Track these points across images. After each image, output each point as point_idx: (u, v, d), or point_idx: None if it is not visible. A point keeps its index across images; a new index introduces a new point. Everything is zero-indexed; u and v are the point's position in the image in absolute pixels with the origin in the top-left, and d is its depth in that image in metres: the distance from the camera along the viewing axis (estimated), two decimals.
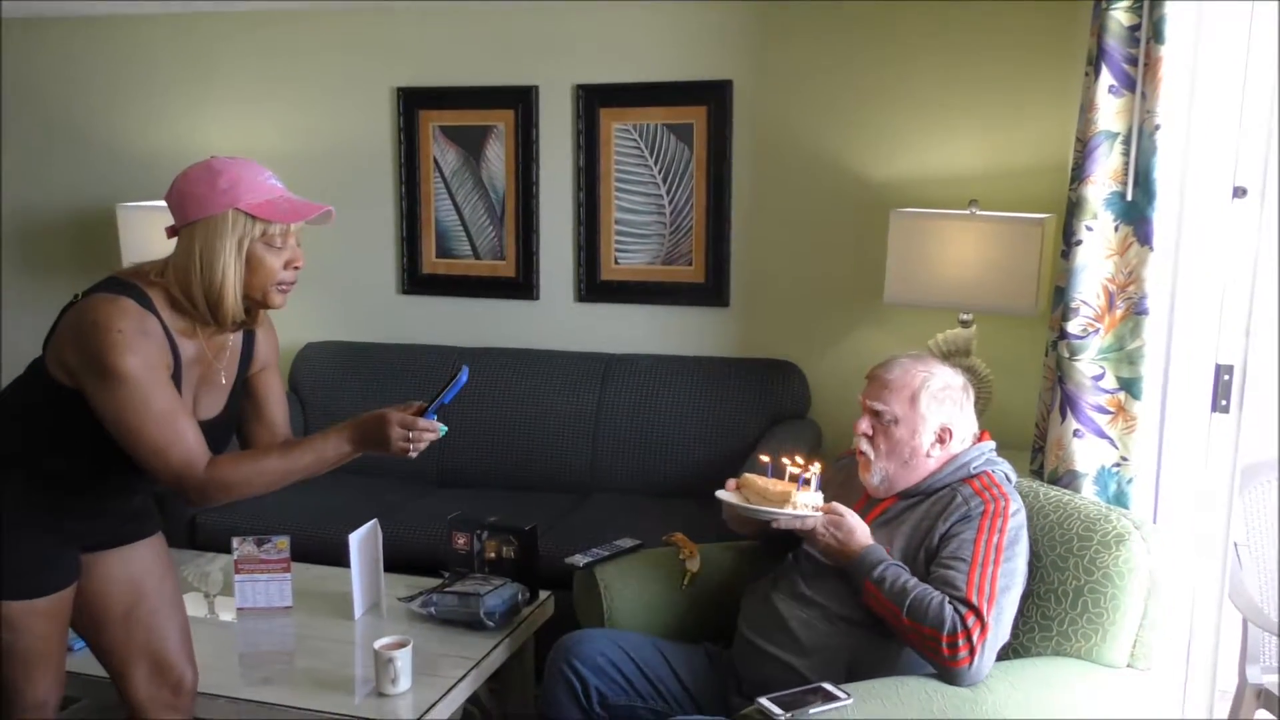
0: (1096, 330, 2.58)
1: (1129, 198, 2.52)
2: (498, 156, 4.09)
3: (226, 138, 4.27)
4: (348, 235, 4.05)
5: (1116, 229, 2.55)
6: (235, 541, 2.88)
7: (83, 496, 2.14)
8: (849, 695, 2.06)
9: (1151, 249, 2.50)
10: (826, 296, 3.81)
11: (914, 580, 2.21)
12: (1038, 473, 2.75)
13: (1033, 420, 2.83)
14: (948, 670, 2.13)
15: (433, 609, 2.78)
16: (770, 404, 3.75)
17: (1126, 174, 2.52)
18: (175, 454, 1.99)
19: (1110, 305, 2.57)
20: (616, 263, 4.02)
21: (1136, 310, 2.53)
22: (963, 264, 3.25)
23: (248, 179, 2.01)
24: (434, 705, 2.43)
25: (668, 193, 3.92)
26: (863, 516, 2.36)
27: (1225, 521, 2.68)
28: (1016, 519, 2.28)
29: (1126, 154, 2.52)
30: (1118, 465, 2.59)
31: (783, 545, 2.51)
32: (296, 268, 2.08)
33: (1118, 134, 2.52)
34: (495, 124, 4.07)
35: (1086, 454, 2.60)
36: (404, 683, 2.45)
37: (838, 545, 2.30)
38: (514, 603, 2.79)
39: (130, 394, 1.95)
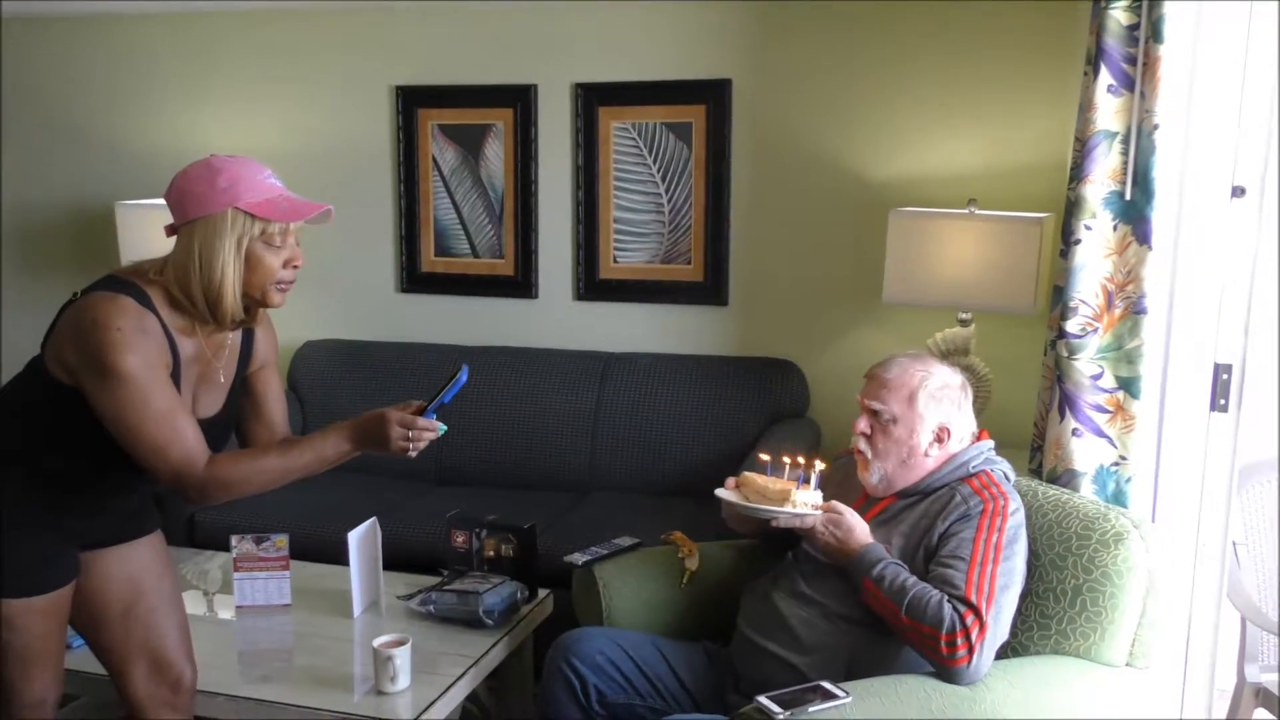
0: (1095, 329, 2.58)
1: (1128, 197, 2.52)
2: (496, 155, 4.09)
3: (226, 136, 4.27)
4: (347, 234, 4.05)
5: (1115, 228, 2.55)
6: (234, 539, 2.88)
7: (82, 495, 2.14)
8: (848, 694, 2.07)
9: (1150, 248, 2.50)
10: (825, 295, 3.81)
11: (913, 579, 2.21)
12: (1036, 472, 2.75)
13: (1031, 419, 2.83)
14: (946, 669, 2.13)
15: (432, 607, 2.78)
16: (769, 403, 3.75)
17: (1125, 173, 2.52)
18: (174, 452, 1.99)
19: (1109, 304, 2.57)
20: (615, 261, 4.02)
21: (1135, 309, 2.53)
22: (962, 263, 3.25)
23: (247, 178, 2.01)
24: (433, 703, 2.43)
25: (667, 192, 3.92)
26: (861, 515, 2.36)
27: (1224, 520, 2.68)
28: (1015, 518, 2.29)
29: (1125, 153, 2.52)
30: (1116, 464, 2.59)
31: (782, 544, 2.51)
32: (296, 267, 2.08)
33: (1116, 133, 2.52)
34: (494, 123, 4.07)
35: (1085, 453, 2.60)
36: (403, 681, 2.45)
37: (837, 544, 2.31)
38: (513, 601, 2.79)
39: (129, 392, 1.95)
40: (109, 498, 2.19)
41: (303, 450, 2.10)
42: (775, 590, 2.42)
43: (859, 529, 2.31)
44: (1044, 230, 3.18)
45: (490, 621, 2.72)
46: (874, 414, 2.41)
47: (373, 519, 2.91)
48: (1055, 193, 3.24)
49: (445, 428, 2.11)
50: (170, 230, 2.06)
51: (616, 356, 3.97)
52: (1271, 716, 2.75)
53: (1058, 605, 2.30)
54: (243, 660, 2.76)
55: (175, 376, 2.04)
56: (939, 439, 2.38)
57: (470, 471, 3.93)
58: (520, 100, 4.02)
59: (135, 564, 2.28)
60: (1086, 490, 2.59)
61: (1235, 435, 2.64)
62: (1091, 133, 2.53)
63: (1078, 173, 2.57)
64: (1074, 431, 2.60)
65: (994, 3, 3.49)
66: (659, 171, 3.92)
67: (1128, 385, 2.56)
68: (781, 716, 2.00)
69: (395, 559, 3.07)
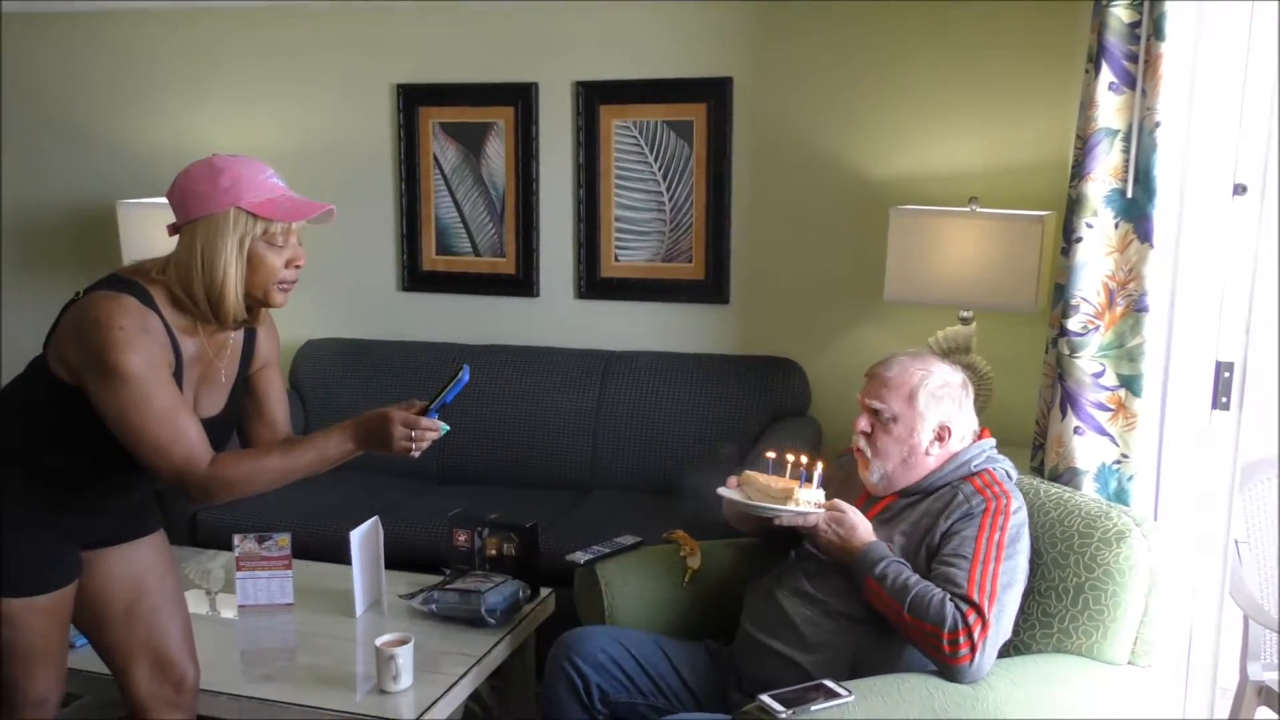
0: (1097, 327, 2.58)
1: (1129, 195, 2.52)
2: (498, 153, 4.09)
3: (227, 135, 4.27)
4: (348, 233, 4.05)
5: (1117, 226, 2.55)
6: (236, 539, 2.89)
7: (84, 494, 2.14)
8: (850, 692, 2.07)
9: (1152, 246, 2.50)
10: (827, 294, 3.81)
11: (915, 577, 2.22)
12: (1038, 470, 2.75)
13: (1033, 417, 2.83)
14: (949, 667, 2.14)
15: (434, 606, 2.78)
16: (770, 401, 3.75)
17: (1127, 171, 2.52)
18: (177, 452, 1.99)
19: (1110, 302, 2.57)
20: (616, 260, 4.02)
21: (1137, 307, 2.53)
22: (963, 261, 3.25)
23: (249, 177, 2.01)
24: (435, 702, 2.43)
25: (668, 190, 3.92)
26: (863, 513, 2.36)
27: (1226, 518, 2.68)
28: (1018, 517, 2.29)
29: (1127, 151, 2.51)
30: (1118, 462, 2.59)
31: (784, 542, 2.51)
32: (298, 266, 2.08)
33: (1118, 131, 2.52)
34: (495, 121, 4.07)
35: (1087, 451, 2.60)
36: (405, 680, 2.45)
37: (839, 542, 2.31)
38: (515, 600, 2.79)
39: (132, 392, 1.95)
40: (111, 497, 2.20)
41: (306, 450, 2.10)
42: (779, 589, 2.42)
43: (862, 527, 2.31)
44: (1045, 228, 3.17)
45: (492, 620, 2.72)
46: (874, 413, 2.41)
47: (375, 518, 2.91)
48: (1056, 191, 3.24)
49: (448, 427, 2.11)
50: (173, 229, 2.06)
51: (618, 355, 3.97)
52: (1274, 715, 2.75)
53: (1060, 604, 2.30)
54: (245, 659, 2.77)
55: (177, 376, 2.04)
56: (940, 438, 2.38)
57: (472, 470, 3.93)
58: (521, 98, 4.01)
59: (138, 563, 2.28)
60: (1088, 488, 2.59)
61: (1237, 433, 2.64)
62: (1093, 130, 2.53)
63: (1079, 170, 2.57)
64: (1075, 430, 2.60)
65: (995, 1, 3.49)
66: (660, 170, 3.91)
67: (1129, 383, 2.56)
68: (784, 715, 2.00)
69: (397, 558, 3.07)
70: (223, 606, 2.92)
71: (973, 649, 2.11)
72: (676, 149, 3.88)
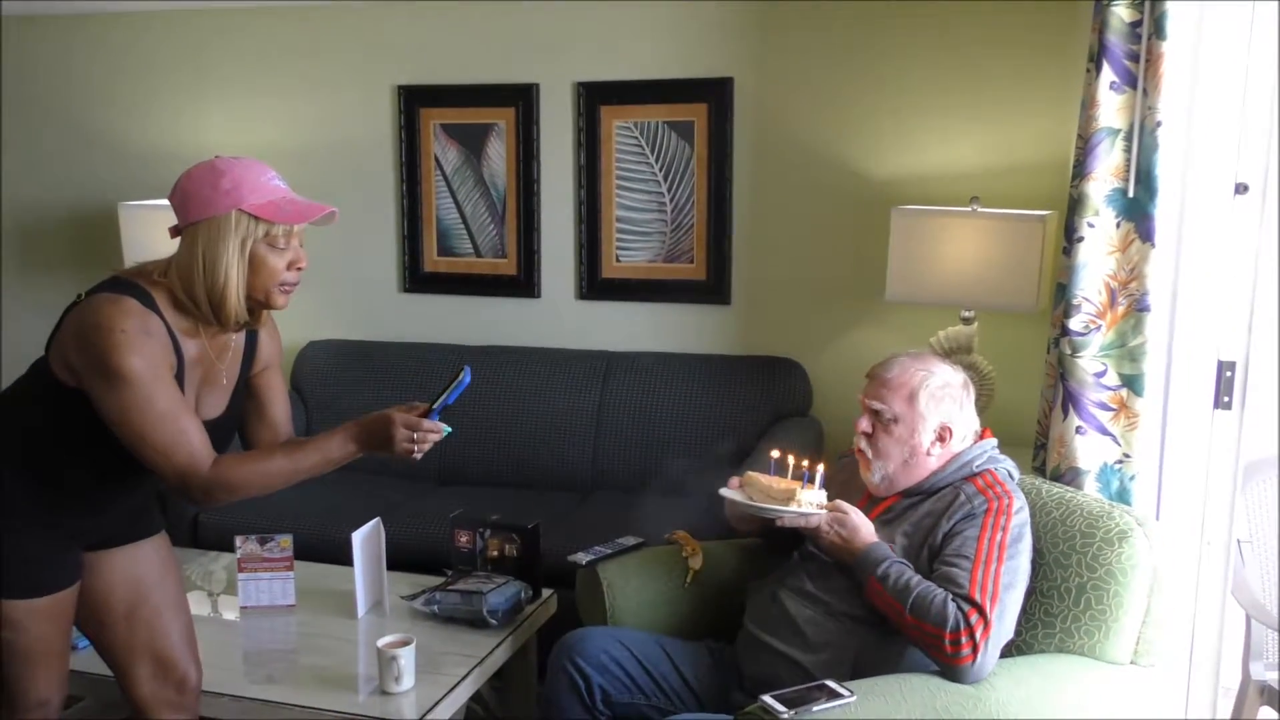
0: (1098, 327, 2.58)
1: (1130, 194, 2.52)
2: (499, 154, 4.09)
3: (228, 136, 4.27)
4: (349, 234, 4.05)
5: (1118, 225, 2.55)
6: (238, 540, 2.89)
7: (86, 496, 2.14)
8: (852, 693, 2.07)
9: (1153, 245, 2.49)
10: (828, 294, 3.81)
11: (917, 578, 2.21)
12: (1040, 470, 2.74)
13: (1035, 417, 2.82)
14: (951, 668, 2.13)
15: (435, 607, 2.78)
16: (772, 402, 3.75)
17: (1128, 170, 2.51)
18: (179, 454, 1.99)
19: (1112, 302, 2.57)
20: (618, 260, 4.02)
21: (1138, 307, 2.53)
22: (964, 261, 3.25)
23: (251, 179, 2.01)
24: (437, 703, 2.43)
25: (669, 190, 3.92)
26: (865, 514, 2.36)
27: (1228, 518, 2.68)
28: (1020, 517, 2.29)
29: (1128, 150, 2.51)
30: (1120, 462, 2.59)
31: (786, 543, 2.51)
32: (299, 268, 2.08)
33: (1119, 130, 2.52)
34: (496, 122, 4.07)
35: (1089, 451, 2.60)
36: (407, 681, 2.45)
37: (841, 543, 2.31)
38: (517, 601, 2.79)
39: (134, 394, 1.95)
40: (113, 499, 2.19)
41: (308, 452, 2.10)
42: (782, 589, 2.42)
43: (864, 528, 2.31)
44: (1046, 228, 3.17)
45: (494, 621, 2.72)
46: (875, 414, 2.40)
47: (376, 519, 2.91)
48: (1058, 190, 3.24)
49: (450, 429, 2.11)
50: (174, 231, 2.06)
51: (619, 356, 3.97)
52: (1277, 714, 2.75)
53: (1062, 603, 2.30)
54: (247, 661, 2.76)
55: (179, 378, 2.04)
56: (941, 438, 2.38)
57: (473, 471, 3.93)
58: (522, 99, 4.01)
59: (140, 565, 2.28)
60: (1090, 488, 2.59)
61: (1239, 432, 2.63)
62: (1094, 130, 2.53)
63: (1080, 170, 2.57)
64: (1077, 429, 2.60)
65: (995, 1, 3.49)
66: (661, 170, 3.91)
67: (1131, 383, 2.56)
68: (786, 715, 2.00)
69: (399, 559, 3.07)
70: (224, 608, 2.92)
71: (975, 649, 2.11)
72: (677, 149, 3.88)
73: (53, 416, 2.06)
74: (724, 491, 2.46)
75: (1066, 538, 2.34)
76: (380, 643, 2.48)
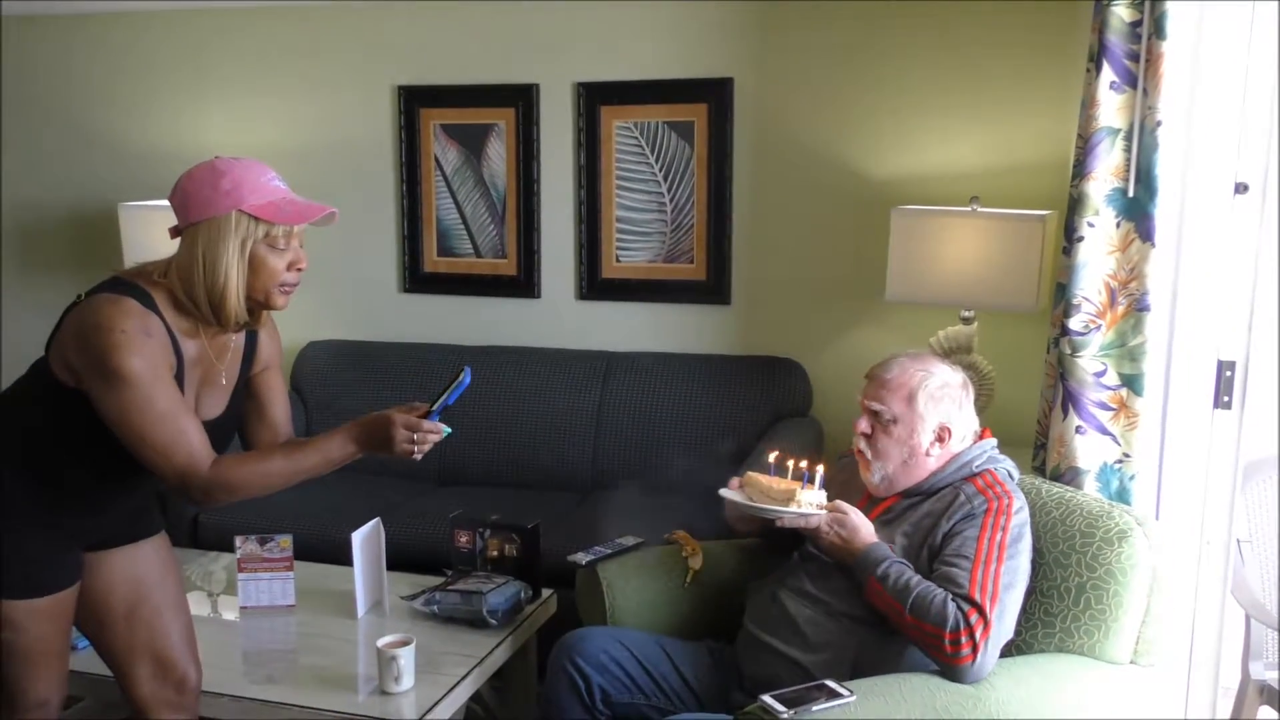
0: (1098, 327, 2.58)
1: (1130, 194, 2.52)
2: (499, 155, 4.09)
3: (227, 136, 4.27)
4: (349, 234, 4.05)
5: (1118, 225, 2.55)
6: (238, 540, 2.89)
7: (85, 496, 2.14)
8: (852, 692, 2.07)
9: (1153, 245, 2.49)
10: (828, 294, 3.81)
11: (917, 578, 2.21)
12: (1040, 469, 2.74)
13: (1034, 417, 2.82)
14: (951, 667, 2.13)
15: (435, 607, 2.78)
16: (772, 402, 3.75)
17: (1128, 170, 2.51)
18: (179, 454, 1.99)
19: (1112, 301, 2.57)
20: (618, 260, 4.02)
21: (1138, 306, 2.53)
22: (964, 261, 3.25)
23: (251, 180, 2.01)
24: (437, 703, 2.43)
25: (669, 190, 3.92)
26: (865, 515, 2.36)
27: (1228, 517, 2.68)
28: (1019, 517, 2.29)
29: (1128, 150, 2.51)
30: (1120, 462, 2.59)
31: (786, 543, 2.51)
32: (299, 269, 2.08)
33: (1119, 130, 2.52)
34: (496, 122, 4.07)
35: (1088, 450, 2.60)
36: (407, 681, 2.45)
37: (841, 543, 2.31)
38: (516, 601, 2.79)
39: (134, 395, 1.95)
40: (113, 499, 2.19)
41: (308, 453, 2.10)
42: (782, 589, 2.42)
43: (864, 529, 2.31)
44: (1046, 227, 3.17)
45: (494, 621, 2.72)
46: (874, 414, 2.41)
47: (376, 519, 2.91)
48: (1058, 190, 3.24)
49: (450, 430, 2.11)
50: (174, 232, 2.06)
51: (619, 356, 3.97)
52: (1276, 714, 2.75)
53: (1062, 603, 2.30)
54: (247, 661, 2.76)
55: (179, 378, 2.04)
56: (940, 438, 2.38)
57: (473, 471, 3.93)
58: (522, 100, 4.01)
59: (140, 565, 2.28)
60: (1090, 488, 2.59)
61: (1239, 432, 2.64)
62: (1094, 129, 2.53)
63: (1080, 170, 2.57)
64: (1077, 429, 2.60)
65: (995, 1, 3.49)
66: (661, 170, 3.91)
67: (1131, 382, 2.56)
68: (786, 715, 2.00)
69: (399, 559, 3.07)
70: (224, 608, 2.92)
71: (974, 649, 2.11)
72: (677, 149, 3.88)
73: (53, 417, 2.07)
74: (724, 492, 2.47)
75: (1066, 537, 2.34)
76: (380, 643, 2.48)
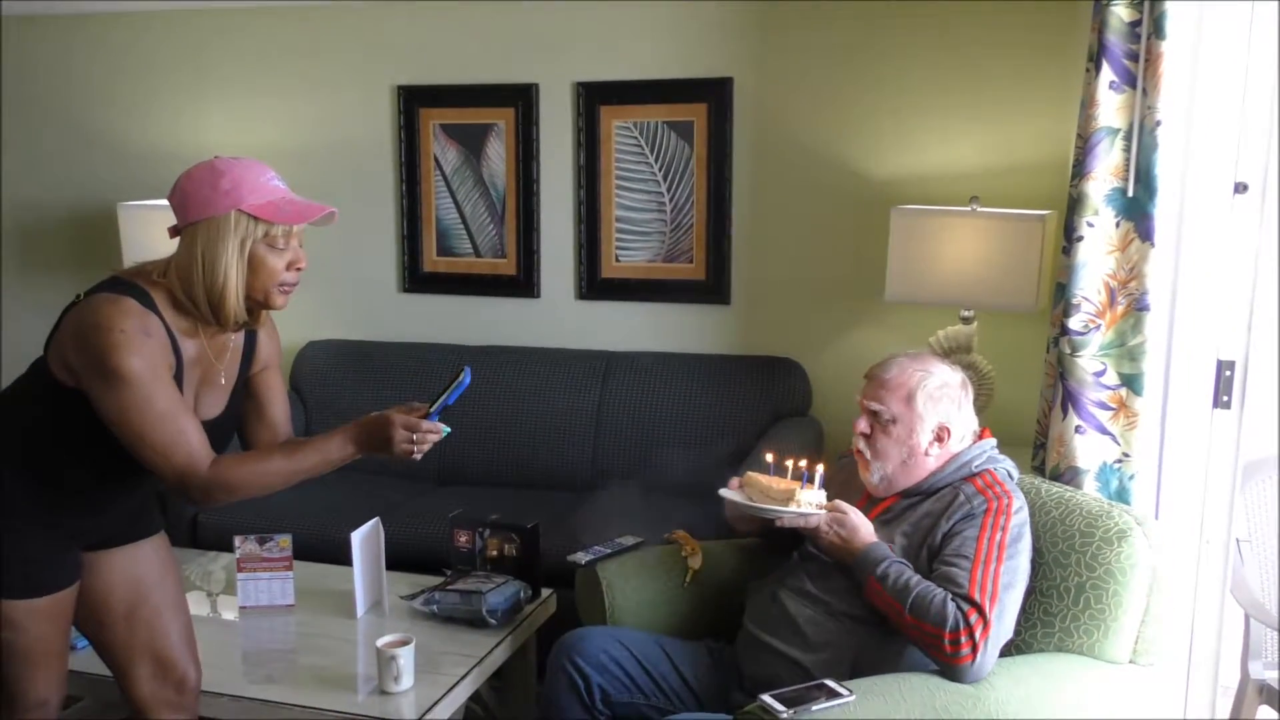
0: (1098, 326, 2.58)
1: (1130, 194, 2.52)
2: (498, 154, 4.09)
3: (227, 136, 4.27)
4: (348, 234, 4.05)
5: (1118, 225, 2.55)
6: (237, 540, 2.89)
7: (85, 496, 2.14)
8: (851, 692, 2.07)
9: (1153, 245, 2.49)
10: (828, 294, 3.81)
11: (917, 578, 2.21)
12: (1039, 469, 2.74)
13: (1034, 416, 2.82)
14: (950, 667, 2.13)
15: (435, 607, 2.78)
16: (772, 401, 3.75)
17: (1127, 170, 2.51)
18: (178, 454, 1.99)
19: (1111, 301, 2.57)
20: (617, 260, 4.02)
21: (1138, 306, 2.53)
22: (964, 261, 3.25)
23: (250, 180, 2.01)
24: (436, 703, 2.43)
25: (668, 190, 3.92)
26: (865, 514, 2.36)
27: (1227, 517, 2.68)
28: (1019, 517, 2.29)
29: (1127, 150, 2.51)
30: (1119, 461, 2.59)
31: (785, 543, 2.51)
32: (299, 269, 2.08)
33: (1119, 130, 2.52)
34: (495, 122, 4.07)
35: (1088, 450, 2.60)
36: (406, 681, 2.45)
37: (841, 543, 2.31)
38: (516, 600, 2.79)
39: (133, 394, 1.95)
40: (112, 499, 2.19)
41: (308, 453, 2.10)
42: (782, 589, 2.42)
43: (863, 528, 2.31)
44: (1046, 227, 3.17)
45: (494, 621, 2.72)
46: (873, 415, 2.40)
47: (376, 519, 2.91)
48: (1057, 190, 3.24)
49: (450, 430, 2.11)
50: (174, 232, 2.06)
51: (619, 355, 3.97)
52: (1276, 714, 2.75)
53: (1061, 603, 2.30)
54: (246, 660, 2.77)
55: (178, 378, 2.04)
56: (939, 438, 2.38)
57: (473, 471, 3.93)
58: (521, 99, 4.01)
59: (139, 565, 2.28)
60: (1089, 487, 2.59)
61: (1238, 432, 2.64)
62: (1093, 129, 2.53)
63: (1080, 169, 2.57)
64: (1077, 429, 2.60)
65: (995, 1, 3.49)
66: (660, 170, 3.91)
67: (1130, 382, 2.56)
68: (785, 715, 2.00)
69: (398, 559, 3.07)
70: (224, 608, 2.92)
71: (974, 649, 2.11)
72: (677, 149, 3.88)
73: (52, 416, 2.07)
74: (723, 492, 2.47)
75: (1066, 537, 2.34)
76: (379, 642, 2.48)
